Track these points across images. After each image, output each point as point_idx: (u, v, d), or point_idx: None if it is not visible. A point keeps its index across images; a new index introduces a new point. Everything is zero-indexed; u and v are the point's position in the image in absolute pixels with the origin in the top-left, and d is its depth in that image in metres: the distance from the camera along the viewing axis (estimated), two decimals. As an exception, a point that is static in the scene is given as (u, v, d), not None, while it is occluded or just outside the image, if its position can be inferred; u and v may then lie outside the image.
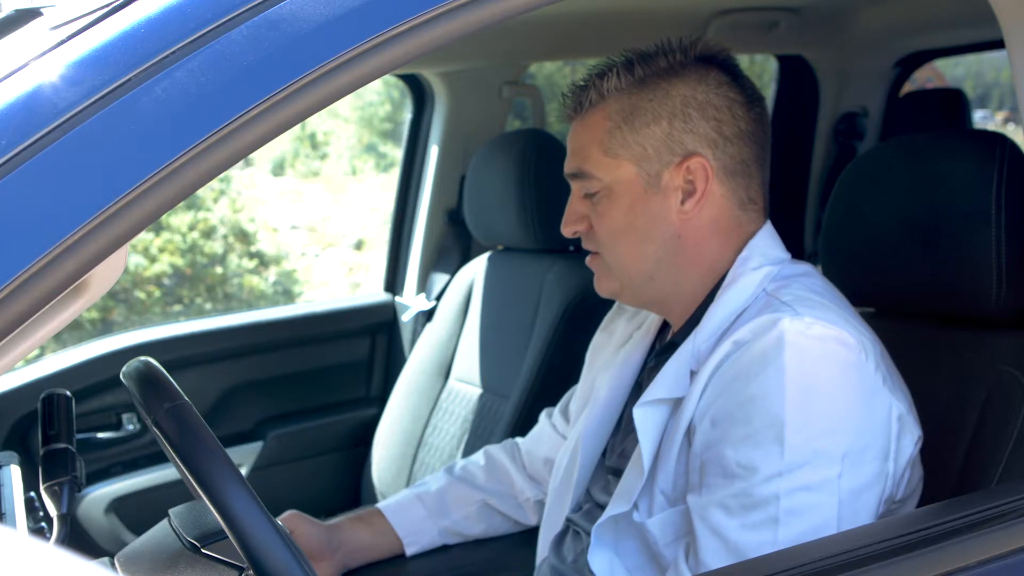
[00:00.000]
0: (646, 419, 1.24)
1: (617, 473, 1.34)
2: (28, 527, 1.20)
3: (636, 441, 1.26)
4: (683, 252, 1.27)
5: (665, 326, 1.42)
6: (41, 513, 1.27)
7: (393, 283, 2.78)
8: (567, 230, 1.33)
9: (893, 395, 1.17)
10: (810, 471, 1.10)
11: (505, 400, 2.13)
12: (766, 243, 1.29)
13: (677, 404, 1.23)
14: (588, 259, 1.35)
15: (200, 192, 7.06)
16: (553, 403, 1.73)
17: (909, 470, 1.19)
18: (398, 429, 2.35)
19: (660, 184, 1.25)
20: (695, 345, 1.24)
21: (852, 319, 1.20)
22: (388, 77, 2.58)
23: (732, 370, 1.15)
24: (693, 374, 1.22)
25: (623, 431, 1.39)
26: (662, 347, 1.38)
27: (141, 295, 7.52)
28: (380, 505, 1.71)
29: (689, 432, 1.20)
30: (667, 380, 1.25)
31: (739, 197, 1.28)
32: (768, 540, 1.11)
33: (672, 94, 1.25)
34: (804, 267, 1.29)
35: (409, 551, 1.67)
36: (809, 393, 1.11)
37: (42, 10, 1.04)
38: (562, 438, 1.64)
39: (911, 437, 1.18)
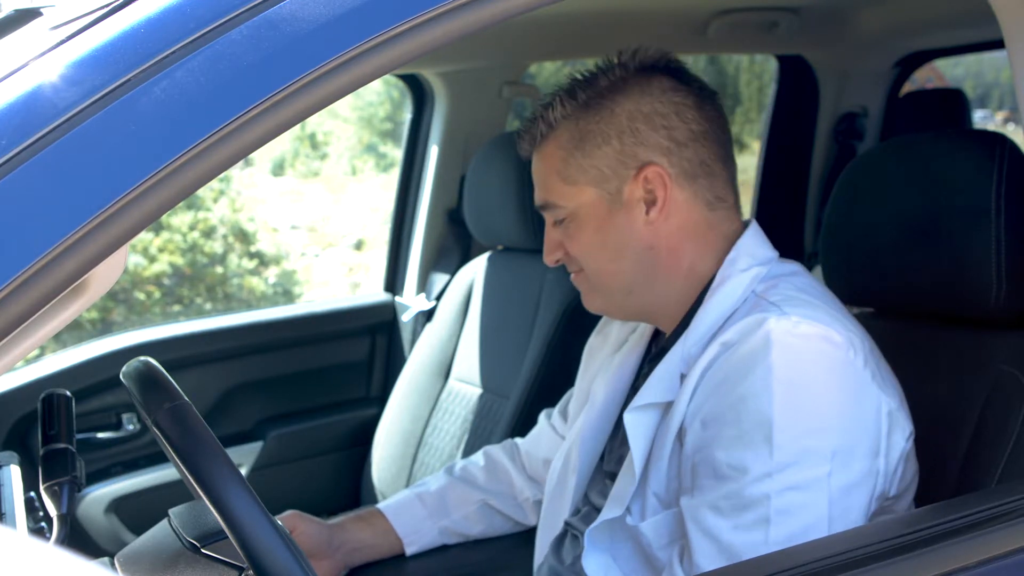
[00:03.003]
0: (637, 424, 1.24)
1: (615, 477, 1.34)
2: (28, 527, 1.20)
3: (631, 445, 1.26)
4: (658, 262, 1.28)
5: (659, 330, 1.42)
6: (41, 513, 1.27)
7: (393, 283, 2.78)
8: (549, 259, 1.35)
9: (883, 391, 1.16)
10: (799, 470, 1.11)
11: (505, 400, 2.13)
12: (754, 243, 1.29)
13: (668, 408, 1.23)
14: (572, 276, 1.36)
15: (200, 192, 7.06)
16: (553, 403, 1.73)
17: (902, 466, 1.19)
18: (398, 429, 2.35)
19: (622, 200, 1.26)
20: (685, 348, 1.24)
21: (840, 316, 1.20)
22: (388, 77, 2.58)
23: (721, 372, 1.16)
24: (683, 377, 1.22)
25: (620, 436, 1.39)
26: (655, 353, 1.38)
27: (141, 295, 7.52)
28: (380, 505, 1.71)
29: (680, 435, 1.20)
30: (657, 384, 1.25)
31: (705, 198, 1.28)
32: (760, 540, 1.11)
33: (617, 112, 1.26)
34: (792, 266, 1.29)
35: (409, 551, 1.68)
36: (797, 392, 1.12)
37: (42, 10, 1.04)
38: (561, 439, 1.64)
39: (902, 433, 1.18)
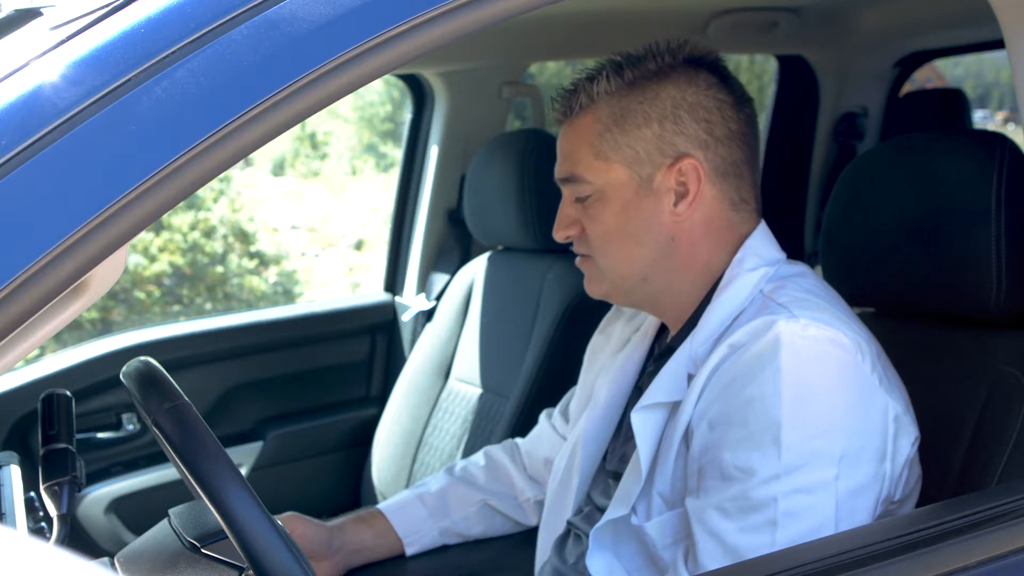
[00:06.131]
0: (644, 423, 1.24)
1: (617, 477, 1.34)
2: (28, 527, 1.20)
3: (636, 445, 1.26)
4: (676, 254, 1.27)
5: (663, 329, 1.42)
6: (41, 513, 1.27)
7: (393, 283, 2.78)
8: (559, 235, 1.33)
9: (890, 395, 1.16)
10: (807, 473, 1.10)
11: (505, 400, 2.13)
12: (761, 244, 1.29)
13: (675, 408, 1.23)
14: (578, 261, 1.34)
15: (200, 192, 7.06)
16: (553, 403, 1.73)
17: (907, 470, 1.19)
18: (398, 429, 2.35)
19: (652, 186, 1.25)
20: (692, 348, 1.23)
21: (848, 319, 1.20)
22: (388, 77, 2.58)
23: (729, 373, 1.15)
24: (691, 377, 1.22)
25: (623, 435, 1.38)
26: (660, 351, 1.37)
27: (141, 295, 7.52)
28: (380, 505, 1.71)
29: (687, 435, 1.20)
30: (665, 384, 1.25)
31: (731, 198, 1.28)
32: (766, 542, 1.11)
33: (662, 96, 1.25)
34: (800, 267, 1.29)
35: (409, 551, 1.68)
36: (805, 395, 1.11)
37: (42, 10, 1.04)
38: (562, 439, 1.64)
39: (908, 438, 1.18)
